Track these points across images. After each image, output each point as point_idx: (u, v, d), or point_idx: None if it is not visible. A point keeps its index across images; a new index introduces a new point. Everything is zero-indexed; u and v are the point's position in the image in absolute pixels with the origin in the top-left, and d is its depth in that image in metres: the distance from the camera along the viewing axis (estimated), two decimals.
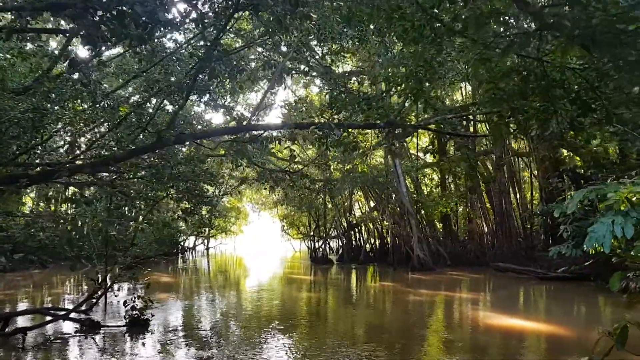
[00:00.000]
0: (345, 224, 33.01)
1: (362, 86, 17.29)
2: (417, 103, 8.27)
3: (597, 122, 5.89)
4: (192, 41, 11.57)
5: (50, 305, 13.86)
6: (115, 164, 9.04)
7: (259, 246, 58.16)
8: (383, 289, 19.76)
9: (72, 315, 10.82)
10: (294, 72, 12.20)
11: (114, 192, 10.07)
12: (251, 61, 15.18)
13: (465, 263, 25.49)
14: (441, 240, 28.03)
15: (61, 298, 16.15)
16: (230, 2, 6.82)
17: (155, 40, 12.61)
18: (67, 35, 7.67)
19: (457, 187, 29.12)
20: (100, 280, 11.33)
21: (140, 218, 11.84)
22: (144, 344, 9.50)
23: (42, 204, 21.36)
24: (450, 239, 28.96)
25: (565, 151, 24.99)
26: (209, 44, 6.50)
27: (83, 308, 11.30)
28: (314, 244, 34.40)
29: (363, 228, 33.92)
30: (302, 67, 11.96)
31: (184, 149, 14.18)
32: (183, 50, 12.35)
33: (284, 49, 13.30)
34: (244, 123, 10.42)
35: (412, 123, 10.09)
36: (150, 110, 11.81)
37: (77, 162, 9.27)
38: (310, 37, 10.43)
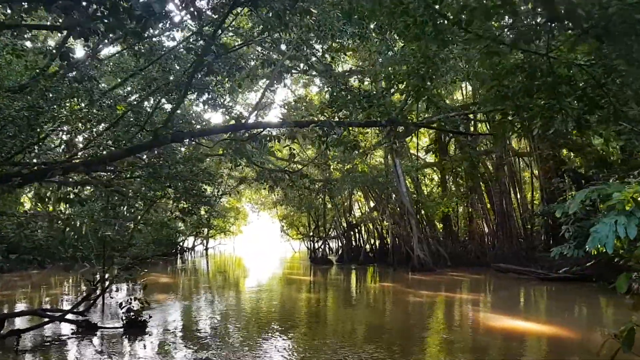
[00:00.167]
0: (345, 224, 32.89)
1: (363, 84, 17.16)
2: (419, 101, 8.16)
3: (603, 120, 5.77)
4: (190, 39, 11.43)
5: (47, 307, 13.74)
6: (111, 162, 8.90)
7: (258, 246, 58.05)
8: (383, 290, 19.64)
9: (70, 316, 10.68)
10: (293, 70, 12.06)
11: (110, 192, 9.94)
12: (250, 60, 15.05)
13: (466, 263, 25.37)
14: (441, 241, 27.91)
15: (59, 299, 16.00)
16: None
17: (154, 39, 12.52)
18: (63, 32, 7.54)
19: (458, 187, 29.01)
20: (96, 281, 11.19)
21: (138, 218, 11.70)
22: (141, 346, 9.37)
23: (40, 204, 21.23)
24: (451, 240, 28.84)
25: (565, 151, 24.90)
26: (207, 39, 6.37)
27: (80, 309, 11.18)
28: (314, 245, 34.27)
29: (363, 228, 33.80)
30: (302, 65, 11.82)
31: (182, 149, 14.06)
32: (182, 50, 12.22)
33: (283, 47, 13.17)
34: (243, 122, 10.29)
35: (414, 121, 9.98)
36: (149, 110, 11.68)
37: (72, 161, 9.13)
38: (310, 34, 10.28)
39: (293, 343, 9.74)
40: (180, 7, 5.51)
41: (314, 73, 20.88)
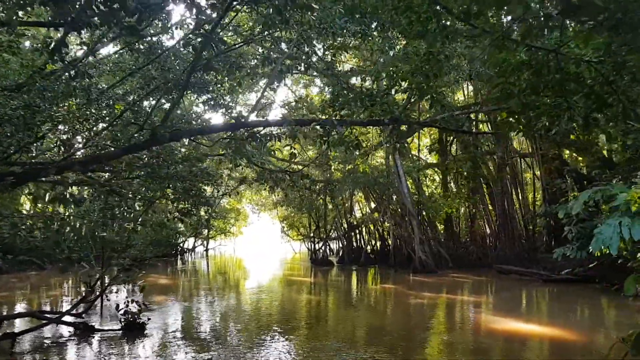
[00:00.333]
0: (345, 225, 32.77)
1: (365, 83, 17.03)
2: (423, 99, 8.03)
3: (612, 118, 5.63)
4: (189, 37, 11.30)
5: (46, 308, 13.61)
6: (107, 161, 8.76)
7: (258, 248, 57.93)
8: (384, 291, 19.51)
9: (68, 319, 10.56)
10: (294, 67, 11.91)
11: (106, 192, 9.80)
12: (250, 59, 14.94)
13: (468, 265, 25.24)
14: (443, 242, 27.77)
15: (58, 300, 15.89)
16: None
17: (154, 38, 12.40)
18: (60, 29, 7.42)
19: (460, 188, 28.88)
20: (93, 283, 11.06)
21: (136, 219, 11.56)
22: (140, 348, 9.25)
23: (39, 205, 21.09)
24: (452, 241, 28.72)
25: (567, 151, 24.77)
26: (205, 34, 6.24)
27: (79, 311, 11.05)
28: (314, 246, 34.11)
29: (364, 229, 33.65)
30: (302, 65, 11.69)
31: (182, 149, 13.93)
32: (181, 49, 12.10)
33: (283, 46, 13.06)
34: (242, 120, 10.15)
35: (418, 120, 9.86)
36: (148, 110, 11.55)
37: (69, 160, 8.98)
38: (311, 32, 10.15)
39: (293, 345, 9.64)
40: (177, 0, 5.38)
41: (315, 73, 20.78)
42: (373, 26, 10.41)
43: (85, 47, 10.43)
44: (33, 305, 14.60)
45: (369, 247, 32.52)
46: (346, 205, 32.70)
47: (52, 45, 4.97)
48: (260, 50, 15.68)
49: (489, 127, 26.37)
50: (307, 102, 24.88)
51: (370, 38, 10.83)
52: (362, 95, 8.67)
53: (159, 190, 10.72)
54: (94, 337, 9.91)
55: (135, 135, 9.76)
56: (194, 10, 5.71)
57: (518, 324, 11.70)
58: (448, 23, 5.58)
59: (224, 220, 45.27)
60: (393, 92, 9.38)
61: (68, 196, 7.60)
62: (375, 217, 30.69)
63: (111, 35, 10.96)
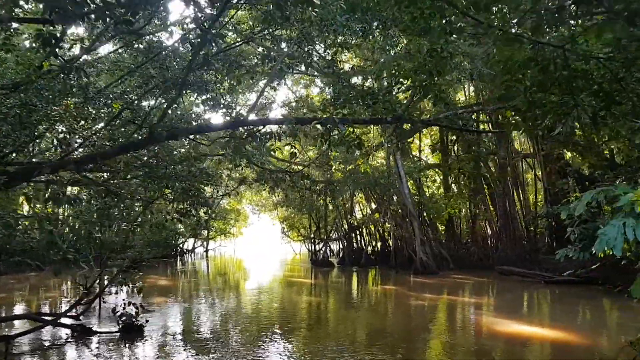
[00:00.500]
0: (346, 226, 32.62)
1: (366, 81, 16.92)
2: (427, 97, 7.91)
3: (621, 116, 5.50)
4: (189, 34, 11.18)
5: (44, 310, 13.48)
6: (102, 160, 8.61)
7: (258, 248, 57.80)
8: (385, 293, 19.39)
9: (66, 321, 10.42)
10: (295, 64, 11.76)
11: (104, 192, 9.67)
12: (250, 58, 14.81)
13: (469, 266, 25.10)
14: (444, 243, 27.64)
15: (57, 302, 15.75)
16: None
17: (154, 38, 12.28)
18: (57, 25, 7.27)
19: (461, 189, 28.75)
20: (89, 284, 10.92)
21: (134, 219, 11.42)
22: (138, 350, 9.13)
23: (37, 205, 20.95)
24: (453, 242, 28.59)
25: (569, 152, 24.64)
26: (203, 29, 6.10)
27: (76, 313, 10.90)
28: (315, 247, 33.96)
29: (364, 230, 33.51)
30: (303, 64, 11.55)
31: (182, 150, 13.81)
32: (181, 48, 11.98)
33: (283, 45, 12.93)
34: (241, 119, 10.02)
35: (421, 119, 9.73)
36: (147, 109, 11.43)
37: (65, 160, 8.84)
38: (311, 28, 10.01)
39: (294, 346, 9.54)
40: None
41: (315, 73, 20.65)
42: (374, 24, 10.29)
43: (81, 44, 10.27)
44: (31, 307, 14.48)
45: (369, 248, 32.38)
46: (347, 206, 32.56)
47: (42, 39, 4.81)
48: (260, 49, 15.56)
49: (491, 127, 26.23)
50: (308, 102, 24.73)
51: (371, 36, 10.70)
52: (364, 93, 8.54)
53: (157, 190, 10.58)
54: (91, 339, 9.78)
55: (134, 134, 9.64)
56: (192, 6, 5.58)
57: (520, 325, 11.59)
58: (452, 19, 5.47)
59: (224, 221, 45.13)
60: (395, 90, 9.25)
61: (62, 196, 7.46)
62: (376, 218, 30.56)
63: (110, 33, 10.84)
